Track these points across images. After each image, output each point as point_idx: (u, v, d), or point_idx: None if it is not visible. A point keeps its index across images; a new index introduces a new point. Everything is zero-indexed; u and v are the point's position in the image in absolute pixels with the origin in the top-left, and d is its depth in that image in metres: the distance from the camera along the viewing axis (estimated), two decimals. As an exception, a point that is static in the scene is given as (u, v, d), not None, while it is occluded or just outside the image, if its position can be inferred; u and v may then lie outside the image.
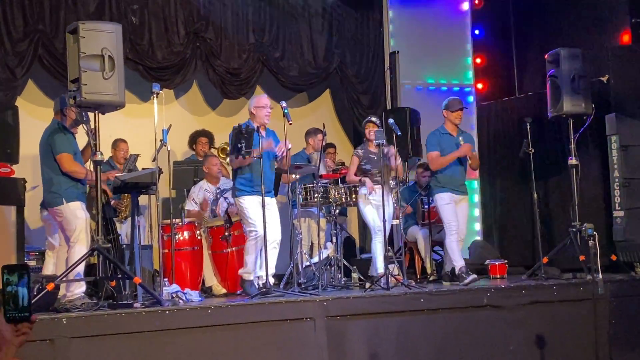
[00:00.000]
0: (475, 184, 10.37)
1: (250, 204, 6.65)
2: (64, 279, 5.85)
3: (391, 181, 7.49)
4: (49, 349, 5.08)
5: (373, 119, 7.59)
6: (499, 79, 10.65)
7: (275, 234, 6.71)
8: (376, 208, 7.28)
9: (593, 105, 7.72)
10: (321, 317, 5.97)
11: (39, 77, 8.60)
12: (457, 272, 7.41)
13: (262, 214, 6.50)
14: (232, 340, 5.70)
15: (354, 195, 7.60)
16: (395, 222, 7.50)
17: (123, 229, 7.72)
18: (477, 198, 10.36)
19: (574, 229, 7.48)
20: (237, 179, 6.82)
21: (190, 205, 7.87)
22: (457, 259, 7.46)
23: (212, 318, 5.67)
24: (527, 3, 10.38)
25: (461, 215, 7.59)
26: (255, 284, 6.66)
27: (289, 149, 6.76)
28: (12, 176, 7.42)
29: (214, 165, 7.93)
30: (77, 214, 6.22)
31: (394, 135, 7.24)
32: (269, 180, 6.77)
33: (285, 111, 6.67)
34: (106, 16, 8.47)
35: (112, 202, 7.63)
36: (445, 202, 7.50)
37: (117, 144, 8.26)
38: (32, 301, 5.17)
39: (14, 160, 7.61)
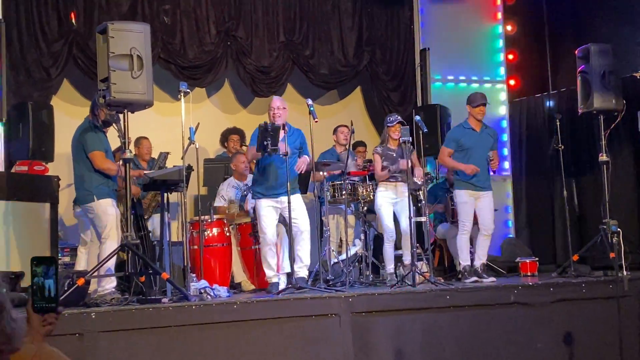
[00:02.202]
0: (508, 181, 10.32)
1: (263, 209, 6.87)
2: (94, 274, 5.97)
3: (418, 180, 7.47)
4: (78, 343, 5.18)
5: (400, 119, 7.56)
6: (532, 75, 10.55)
7: (301, 225, 6.79)
8: (394, 205, 7.30)
9: (624, 102, 7.63)
10: (346, 313, 5.99)
11: (73, 76, 8.78)
12: (459, 269, 7.49)
13: (274, 218, 6.86)
14: (258, 335, 5.74)
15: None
16: (423, 219, 7.48)
17: (150, 226, 7.81)
18: (509, 195, 10.29)
19: (605, 226, 7.39)
20: (254, 181, 7.09)
21: (218, 202, 7.97)
22: (464, 257, 7.49)
23: (238, 313, 5.72)
24: (560, -2, 10.30)
25: (486, 211, 7.51)
26: (285, 280, 6.79)
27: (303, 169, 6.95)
28: (46, 174, 7.62)
29: (241, 162, 8.00)
30: (108, 210, 6.33)
31: (421, 132, 7.23)
32: (293, 177, 6.86)
33: (311, 109, 6.72)
34: (139, 16, 8.62)
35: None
36: (462, 200, 7.48)
37: (139, 141, 8.36)
38: (63, 296, 5.33)
39: (49, 158, 7.81)
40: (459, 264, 7.58)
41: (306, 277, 6.87)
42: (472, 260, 8.24)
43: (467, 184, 7.46)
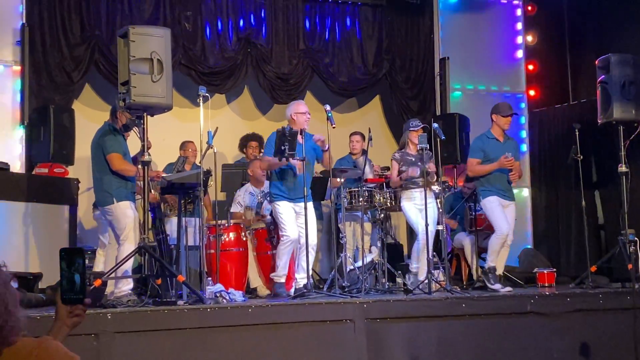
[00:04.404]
0: (527, 192, 10.27)
1: (284, 209, 6.88)
2: (111, 275, 6.01)
3: (436, 187, 7.45)
4: (94, 343, 5.22)
5: (422, 125, 7.56)
6: (552, 85, 10.52)
7: (310, 238, 6.78)
8: (419, 211, 7.27)
9: (645, 112, 7.58)
10: (361, 319, 5.98)
11: (95, 81, 8.88)
12: (484, 268, 7.39)
13: (295, 219, 6.80)
14: (272, 339, 5.76)
15: (399, 200, 7.60)
16: (440, 227, 7.45)
17: (168, 229, 7.83)
18: (528, 206, 10.24)
19: (623, 237, 7.33)
20: (272, 184, 7.05)
21: (235, 208, 8.01)
22: (492, 258, 7.37)
23: (253, 317, 5.74)
24: (582, 9, 10.24)
25: (509, 221, 7.49)
26: (294, 285, 6.80)
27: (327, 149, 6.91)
28: (66, 176, 7.70)
29: (258, 168, 8.03)
30: (126, 212, 6.37)
31: (439, 139, 7.21)
32: (308, 183, 6.88)
33: (329, 114, 6.75)
34: (161, 22, 8.74)
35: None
36: (494, 205, 7.39)
37: (185, 144, 8.42)
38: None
39: (69, 161, 7.90)
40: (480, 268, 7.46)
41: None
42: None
43: (494, 192, 7.40)
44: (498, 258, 7.43)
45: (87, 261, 7.47)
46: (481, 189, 7.54)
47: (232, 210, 8.00)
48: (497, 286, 7.19)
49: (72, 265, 2.37)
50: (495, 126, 7.53)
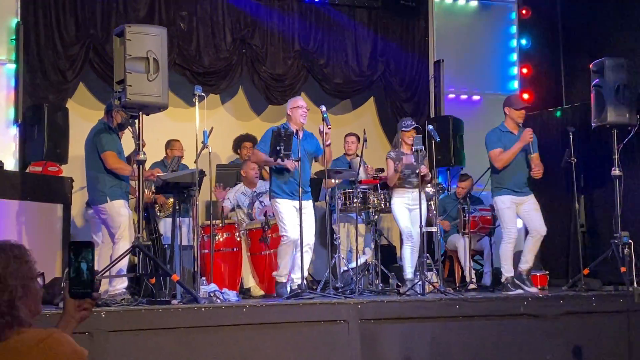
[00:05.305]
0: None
1: (284, 208, 6.84)
2: (105, 274, 6.00)
3: (430, 188, 7.46)
4: (88, 342, 5.17)
5: (415, 124, 7.55)
6: (546, 89, 10.54)
7: (307, 238, 6.79)
8: (410, 211, 7.28)
9: (638, 116, 7.60)
10: (355, 319, 5.98)
11: (89, 80, 8.86)
12: (502, 280, 7.33)
13: (295, 218, 6.69)
14: (266, 339, 5.75)
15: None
16: (434, 229, 7.45)
17: (162, 229, 7.83)
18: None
19: (616, 241, 7.35)
20: (273, 181, 7.01)
21: (225, 202, 8.00)
22: (508, 268, 7.32)
23: (247, 317, 5.73)
24: (576, 12, 10.27)
25: (533, 213, 7.37)
26: (289, 286, 6.78)
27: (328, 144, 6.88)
28: (60, 175, 7.68)
29: (251, 169, 8.04)
30: (120, 211, 6.36)
31: (433, 141, 7.22)
32: (306, 182, 6.87)
33: (325, 115, 6.75)
34: (156, 22, 8.72)
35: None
36: (505, 206, 7.30)
37: (171, 143, 8.42)
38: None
39: (63, 160, 7.88)
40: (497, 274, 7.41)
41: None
42: (482, 272, 8.24)
43: (507, 190, 7.32)
44: (529, 252, 7.36)
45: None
46: (493, 184, 7.47)
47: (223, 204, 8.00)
48: (517, 291, 7.13)
49: (79, 254, 2.35)
50: (508, 119, 7.45)
